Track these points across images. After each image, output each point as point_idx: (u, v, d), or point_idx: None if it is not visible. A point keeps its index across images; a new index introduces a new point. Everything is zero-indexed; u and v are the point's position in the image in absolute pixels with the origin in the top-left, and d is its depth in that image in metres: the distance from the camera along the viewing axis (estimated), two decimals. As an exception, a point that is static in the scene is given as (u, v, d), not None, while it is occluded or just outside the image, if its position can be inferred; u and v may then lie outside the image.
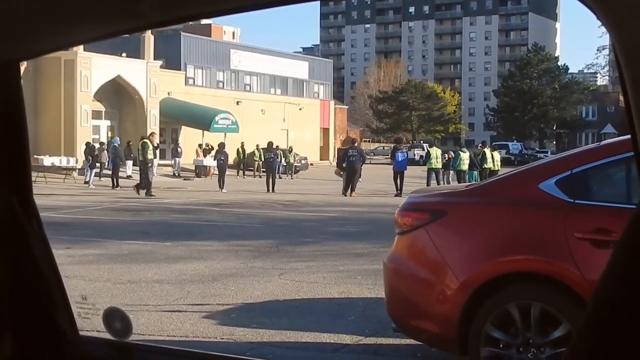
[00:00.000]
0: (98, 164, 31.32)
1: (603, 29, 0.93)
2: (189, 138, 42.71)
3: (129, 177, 31.65)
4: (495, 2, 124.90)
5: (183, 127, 44.84)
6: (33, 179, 1.74)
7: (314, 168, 47.44)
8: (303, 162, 44.44)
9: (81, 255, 10.97)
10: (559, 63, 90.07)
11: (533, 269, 4.70)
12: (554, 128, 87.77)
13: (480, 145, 33.80)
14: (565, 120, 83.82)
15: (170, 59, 46.45)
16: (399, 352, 6.08)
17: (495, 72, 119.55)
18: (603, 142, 6.01)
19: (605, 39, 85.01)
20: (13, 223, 1.60)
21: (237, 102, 50.21)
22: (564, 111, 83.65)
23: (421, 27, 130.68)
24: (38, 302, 1.66)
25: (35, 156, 29.76)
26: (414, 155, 56.59)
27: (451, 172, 29.55)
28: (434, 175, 27.87)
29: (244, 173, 39.62)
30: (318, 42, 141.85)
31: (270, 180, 27.71)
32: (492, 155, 29.20)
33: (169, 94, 43.99)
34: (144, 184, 24.32)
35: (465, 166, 28.12)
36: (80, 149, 33.99)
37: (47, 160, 31.44)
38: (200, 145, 39.74)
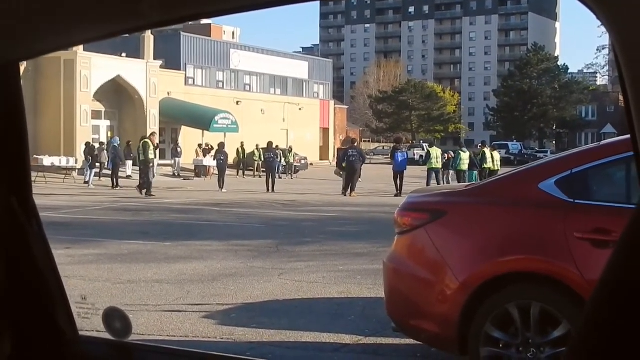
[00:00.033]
0: (98, 164, 31.31)
1: (603, 28, 0.93)
2: (189, 138, 42.70)
3: (128, 177, 31.65)
4: (495, 2, 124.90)
5: (183, 127, 44.84)
6: (33, 179, 1.74)
7: (314, 168, 47.44)
8: (303, 162, 44.44)
9: (81, 255, 10.97)
10: (558, 63, 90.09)
11: (533, 269, 4.70)
12: (554, 128, 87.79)
13: (480, 145, 33.82)
14: (565, 120, 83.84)
15: (170, 59, 46.45)
16: (399, 352, 6.08)
17: (495, 72, 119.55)
18: (603, 142, 6.02)
19: (605, 39, 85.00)
20: (13, 223, 1.60)
21: (237, 102, 50.21)
22: (564, 111, 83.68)
23: (421, 27, 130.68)
24: (38, 302, 1.66)
25: (35, 156, 29.76)
26: (414, 155, 56.61)
27: (451, 172, 29.55)
28: (434, 175, 27.86)
29: (243, 173, 39.62)
30: (318, 42, 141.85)
31: (270, 180, 27.71)
32: (491, 155, 29.20)
33: (168, 94, 43.99)
34: (146, 183, 24.34)
35: (465, 166, 28.12)
36: (80, 149, 33.98)
37: (47, 160, 31.44)
38: (200, 145, 39.74)
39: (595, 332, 0.93)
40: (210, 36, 58.68)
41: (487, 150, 29.65)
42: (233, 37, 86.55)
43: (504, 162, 36.46)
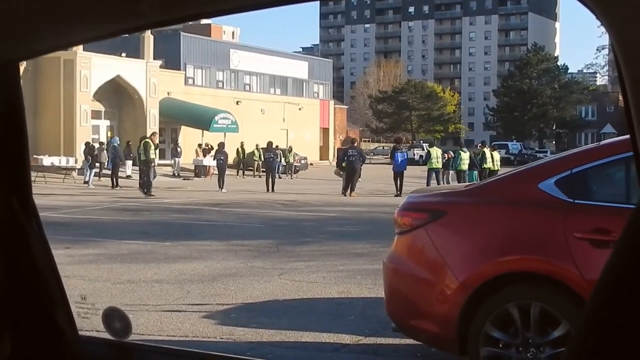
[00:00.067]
0: (97, 164, 31.31)
1: (602, 28, 0.93)
2: (189, 138, 42.70)
3: (128, 177, 31.66)
4: (495, 2, 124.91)
5: (183, 127, 44.83)
6: (32, 178, 1.74)
7: (314, 168, 47.43)
8: (303, 162, 44.44)
9: (81, 255, 10.97)
10: (558, 63, 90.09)
11: (532, 268, 4.70)
12: (554, 128, 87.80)
13: (479, 145, 33.82)
14: (564, 120, 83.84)
15: (170, 58, 46.45)
16: (399, 351, 6.08)
17: (495, 72, 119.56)
18: (602, 142, 6.02)
19: (605, 39, 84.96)
20: (12, 223, 1.60)
21: (237, 102, 50.20)
22: (564, 111, 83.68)
23: (421, 27, 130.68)
24: (37, 302, 1.66)
25: (34, 156, 29.75)
26: (414, 155, 56.63)
27: (451, 172, 29.55)
28: (434, 175, 27.85)
29: (243, 173, 39.62)
30: (318, 42, 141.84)
31: (270, 180, 27.71)
32: (491, 155, 29.20)
33: (168, 93, 43.98)
34: (146, 183, 24.36)
35: (465, 166, 28.11)
36: (80, 148, 33.97)
37: (47, 160, 31.44)
38: (199, 145, 39.73)
39: (595, 332, 0.93)
40: (210, 36, 58.68)
41: (487, 150, 29.65)
42: (233, 37, 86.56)
43: (504, 162, 36.46)
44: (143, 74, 41.07)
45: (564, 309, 4.47)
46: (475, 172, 27.94)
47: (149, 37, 41.41)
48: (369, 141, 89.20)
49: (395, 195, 23.56)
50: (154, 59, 42.03)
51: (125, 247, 12.08)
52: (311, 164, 47.80)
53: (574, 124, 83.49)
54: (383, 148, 78.89)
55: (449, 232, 5.10)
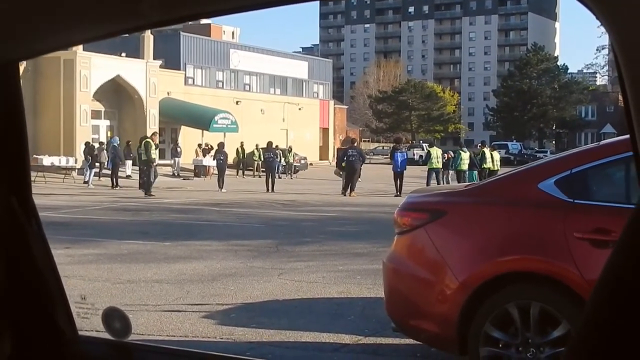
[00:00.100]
0: (97, 164, 31.30)
1: (602, 28, 0.93)
2: (189, 138, 42.69)
3: (128, 176, 31.66)
4: (495, 2, 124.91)
5: (182, 127, 44.82)
6: (32, 178, 1.75)
7: (314, 168, 47.43)
8: (302, 162, 44.43)
9: (80, 255, 10.97)
10: (558, 63, 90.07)
11: (532, 268, 4.70)
12: (554, 128, 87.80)
13: (479, 145, 33.80)
14: (564, 120, 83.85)
15: (170, 58, 46.44)
16: (399, 351, 6.08)
17: (495, 72, 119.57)
18: (602, 142, 6.02)
19: (605, 39, 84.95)
20: (12, 223, 1.60)
21: (237, 102, 50.19)
22: (564, 111, 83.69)
23: (421, 27, 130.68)
24: (37, 302, 1.66)
25: (34, 156, 29.74)
26: (414, 155, 56.64)
27: (451, 171, 29.55)
28: (434, 175, 27.84)
29: (243, 173, 39.61)
30: (317, 42, 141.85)
31: (270, 180, 27.70)
32: (491, 155, 29.20)
33: (168, 93, 43.97)
34: (146, 183, 24.39)
35: (465, 166, 28.10)
36: (80, 148, 33.96)
37: (47, 160, 31.43)
38: (199, 145, 39.73)
39: (595, 332, 0.93)
40: (210, 36, 58.64)
41: (486, 150, 29.64)
42: (233, 37, 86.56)
43: (504, 162, 36.46)
44: (143, 73, 41.07)
45: (564, 309, 4.47)
46: (475, 172, 27.93)
47: (148, 37, 41.41)
48: (368, 141, 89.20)
49: (395, 196, 23.56)
50: (154, 58, 42.02)
51: (125, 247, 12.08)
52: (311, 164, 47.79)
53: (573, 124, 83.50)
54: (383, 148, 78.88)
55: (448, 232, 5.10)
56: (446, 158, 29.76)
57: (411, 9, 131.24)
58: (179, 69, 47.63)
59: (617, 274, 0.92)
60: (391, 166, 27.06)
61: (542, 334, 4.58)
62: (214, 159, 30.91)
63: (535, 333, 4.58)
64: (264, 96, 54.70)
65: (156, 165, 25.09)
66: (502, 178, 5.70)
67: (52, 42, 1.36)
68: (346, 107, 79.32)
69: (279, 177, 33.50)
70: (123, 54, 40.45)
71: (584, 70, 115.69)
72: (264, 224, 16.16)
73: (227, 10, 1.21)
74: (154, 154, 24.83)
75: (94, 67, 38.03)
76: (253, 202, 22.57)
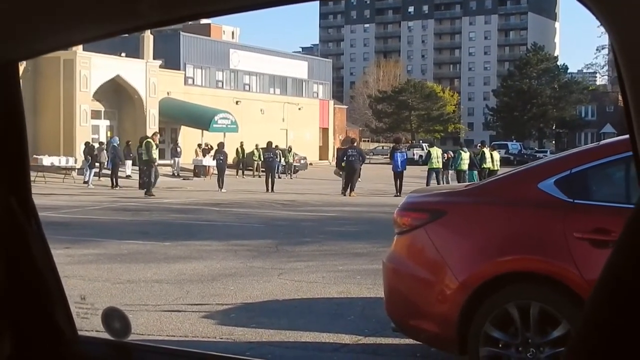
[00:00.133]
0: (97, 164, 31.31)
1: (602, 28, 0.93)
2: (188, 138, 42.69)
3: (128, 176, 31.66)
4: (495, 2, 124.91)
5: (182, 127, 44.82)
6: (32, 178, 1.75)
7: (313, 168, 47.43)
8: (302, 161, 44.43)
9: (80, 255, 10.97)
10: (558, 63, 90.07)
11: (532, 268, 4.70)
12: (553, 128, 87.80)
13: (479, 145, 33.79)
14: (564, 120, 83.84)
15: (170, 58, 46.43)
16: (398, 351, 6.08)
17: (495, 72, 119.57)
18: (602, 142, 6.02)
19: (605, 39, 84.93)
20: (12, 223, 1.60)
21: (237, 102, 50.19)
22: (563, 111, 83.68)
23: (420, 27, 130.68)
24: (37, 302, 1.66)
25: (34, 156, 29.75)
26: (414, 155, 56.65)
27: (450, 171, 29.54)
28: (434, 175, 27.84)
29: (243, 173, 39.61)
30: (317, 42, 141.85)
31: (270, 180, 27.70)
32: (491, 155, 29.20)
33: (168, 93, 43.97)
34: (147, 183, 24.41)
35: (465, 166, 28.07)
36: (80, 148, 33.96)
37: (47, 160, 31.43)
38: (199, 145, 39.73)
39: (595, 332, 0.93)
40: (209, 36, 58.65)
41: (486, 150, 29.63)
42: (232, 37, 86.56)
43: (504, 162, 36.45)
44: (143, 73, 41.06)
45: (564, 308, 4.47)
46: (475, 172, 27.92)
47: (148, 37, 41.41)
48: (368, 141, 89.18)
49: (395, 196, 23.56)
50: (154, 58, 42.02)
51: (125, 247, 12.08)
52: (311, 164, 47.79)
53: (573, 124, 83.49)
54: (383, 148, 78.87)
55: (448, 232, 5.10)
56: (446, 158, 29.75)
57: (411, 9, 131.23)
58: (179, 69, 47.63)
59: (616, 273, 0.92)
60: (391, 166, 27.06)
61: (542, 334, 4.58)
62: (213, 159, 30.90)
63: (535, 333, 4.58)
64: (264, 96, 54.69)
65: (157, 165, 25.10)
66: (502, 178, 5.70)
67: (52, 42, 1.36)
68: (346, 107, 79.31)
69: (279, 177, 33.51)
70: (123, 54, 40.45)
71: (584, 70, 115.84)
72: (264, 224, 16.16)
73: (227, 10, 1.21)
74: (155, 153, 24.83)
75: (93, 67, 38.02)
76: (253, 202, 22.57)
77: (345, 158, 25.54)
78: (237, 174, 38.51)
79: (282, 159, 38.26)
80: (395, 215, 5.44)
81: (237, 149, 40.10)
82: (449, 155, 30.23)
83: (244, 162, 40.01)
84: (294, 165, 41.63)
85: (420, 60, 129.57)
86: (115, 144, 31.46)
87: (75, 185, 29.35)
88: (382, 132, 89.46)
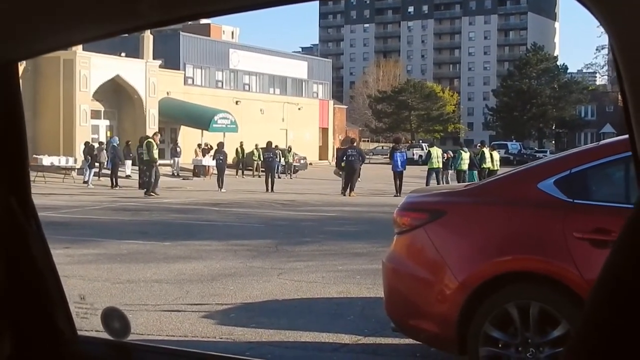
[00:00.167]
0: (97, 164, 31.31)
1: (602, 28, 0.93)
2: (188, 138, 42.69)
3: (127, 176, 31.66)
4: (494, 2, 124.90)
5: (182, 127, 44.82)
6: (32, 178, 1.75)
7: (313, 168, 47.43)
8: (302, 161, 44.43)
9: (80, 255, 10.97)
10: (558, 63, 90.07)
11: (532, 268, 4.70)
12: (553, 128, 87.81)
13: (479, 144, 33.78)
14: (564, 120, 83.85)
15: (169, 58, 46.43)
16: (398, 351, 6.08)
17: (494, 72, 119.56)
18: (602, 142, 6.02)
19: (604, 39, 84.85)
20: (11, 223, 1.60)
21: (236, 102, 50.19)
22: (563, 111, 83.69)
23: (420, 27, 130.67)
24: (36, 302, 1.66)
25: (34, 156, 29.74)
26: (413, 155, 56.65)
27: (450, 171, 29.55)
28: (434, 175, 27.83)
29: (242, 173, 39.62)
30: (317, 42, 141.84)
31: (269, 179, 27.70)
32: (491, 154, 29.19)
33: (168, 93, 43.97)
34: (147, 183, 24.41)
35: (465, 166, 28.06)
36: (79, 148, 33.96)
37: (46, 160, 31.42)
38: (199, 145, 39.73)
39: (594, 332, 0.93)
40: (209, 36, 58.62)
41: (486, 150, 29.62)
42: (232, 37, 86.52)
43: (503, 162, 36.46)
44: (142, 73, 41.06)
45: (564, 308, 4.47)
46: (475, 172, 27.91)
47: (148, 37, 41.40)
48: (368, 141, 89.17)
49: (395, 196, 23.56)
50: (154, 58, 42.01)
51: (125, 247, 12.08)
52: (310, 164, 47.79)
53: (573, 124, 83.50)
54: (382, 148, 78.86)
55: (448, 232, 5.10)
56: (446, 158, 29.75)
57: (410, 9, 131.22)
58: (179, 69, 47.62)
59: (616, 273, 0.92)
60: (390, 166, 27.06)
61: (541, 333, 4.58)
62: (213, 159, 30.90)
63: (534, 333, 4.58)
64: (264, 96, 54.69)
65: (157, 165, 25.10)
66: (502, 178, 5.70)
67: (52, 42, 1.36)
68: (346, 107, 79.30)
69: (279, 177, 33.51)
70: (123, 54, 40.44)
71: (584, 70, 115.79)
72: (264, 224, 16.16)
73: (227, 10, 1.21)
74: (156, 153, 24.84)
75: (93, 67, 38.02)
76: (252, 202, 22.57)
77: (345, 158, 25.55)
78: (236, 174, 38.52)
79: (282, 159, 38.27)
80: (395, 215, 5.44)
81: (236, 149, 40.10)
82: (449, 155, 30.23)
83: (243, 162, 40.01)
84: (294, 165, 41.64)
85: (420, 60, 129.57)
86: (115, 144, 31.47)
87: (75, 185, 29.35)
88: (382, 132, 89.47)
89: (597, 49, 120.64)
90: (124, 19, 1.21)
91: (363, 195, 25.22)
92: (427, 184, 25.88)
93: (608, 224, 4.35)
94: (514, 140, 73.86)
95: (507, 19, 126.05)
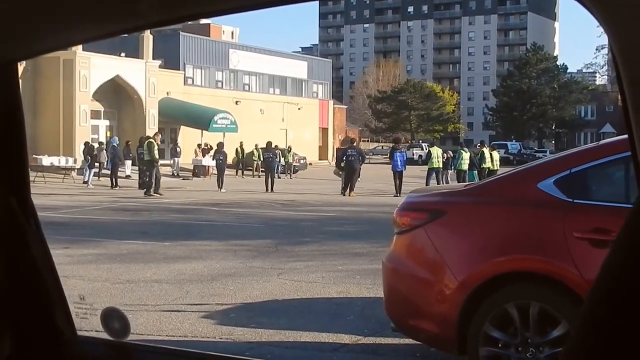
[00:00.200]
0: (97, 164, 31.30)
1: (602, 28, 0.93)
2: (188, 138, 42.69)
3: (127, 176, 31.66)
4: (494, 2, 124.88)
5: (182, 127, 44.83)
6: (32, 178, 1.75)
7: (313, 168, 47.42)
8: (302, 161, 44.42)
9: (80, 255, 10.97)
10: (557, 62, 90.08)
11: (532, 268, 4.70)
12: (553, 127, 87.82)
13: (478, 144, 33.78)
14: (564, 120, 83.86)
15: (169, 58, 46.42)
16: (398, 351, 6.08)
17: (494, 72, 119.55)
18: (601, 142, 6.02)
19: (604, 39, 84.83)
20: (11, 223, 1.60)
21: (236, 102, 50.19)
22: (563, 111, 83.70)
23: (420, 27, 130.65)
24: (36, 302, 1.66)
25: (34, 156, 29.73)
26: (413, 155, 56.65)
27: (450, 171, 29.54)
28: (434, 174, 27.83)
29: (242, 173, 39.61)
30: (317, 42, 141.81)
31: (269, 180, 27.70)
32: (491, 154, 29.19)
33: (167, 93, 43.97)
34: (147, 183, 24.40)
35: (465, 166, 28.05)
36: (79, 148, 33.96)
37: (46, 160, 31.42)
38: (199, 145, 39.73)
39: (592, 331, 0.93)
40: (209, 36, 58.60)
41: (486, 150, 29.62)
42: (232, 37, 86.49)
43: (503, 161, 36.46)
44: (142, 73, 41.06)
45: (563, 308, 4.47)
46: (475, 172, 27.90)
47: (148, 37, 41.40)
48: (368, 141, 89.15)
49: (395, 196, 23.56)
50: (153, 58, 42.01)
51: (125, 247, 12.07)
52: (310, 164, 47.78)
53: (573, 124, 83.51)
54: (382, 148, 78.83)
55: (448, 232, 5.10)
56: (446, 158, 29.74)
57: (410, 9, 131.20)
58: (179, 69, 47.62)
59: (614, 273, 0.92)
60: (390, 166, 27.06)
61: (541, 333, 4.58)
62: (213, 159, 30.90)
63: (534, 333, 4.58)
64: (264, 96, 54.69)
65: (158, 165, 25.10)
66: (502, 178, 5.70)
67: (52, 42, 1.36)
68: (345, 107, 79.29)
69: (278, 177, 33.51)
70: (122, 54, 40.44)
71: (584, 70, 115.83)
72: (264, 224, 16.16)
73: (227, 10, 1.21)
74: (157, 153, 24.84)
75: (93, 67, 38.02)
76: (252, 202, 22.57)
77: (344, 158, 25.55)
78: (236, 174, 38.51)
79: (282, 159, 38.26)
80: (394, 215, 5.44)
81: (236, 149, 40.10)
82: (449, 155, 30.22)
83: (243, 162, 40.01)
84: (294, 165, 41.63)
85: (420, 60, 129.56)
86: (114, 144, 31.47)
87: (74, 185, 29.34)
88: (382, 132, 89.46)
89: (597, 49, 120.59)
90: (124, 19, 1.21)
91: (363, 195, 25.22)
92: (427, 183, 25.88)
93: (608, 224, 4.35)
94: (514, 140, 73.85)
95: (507, 19, 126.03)
